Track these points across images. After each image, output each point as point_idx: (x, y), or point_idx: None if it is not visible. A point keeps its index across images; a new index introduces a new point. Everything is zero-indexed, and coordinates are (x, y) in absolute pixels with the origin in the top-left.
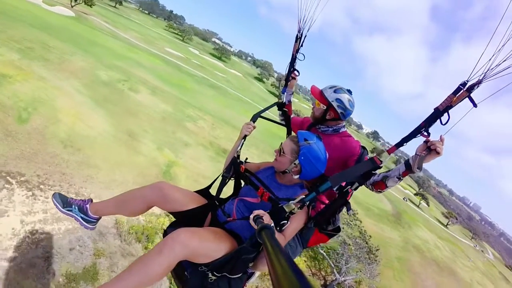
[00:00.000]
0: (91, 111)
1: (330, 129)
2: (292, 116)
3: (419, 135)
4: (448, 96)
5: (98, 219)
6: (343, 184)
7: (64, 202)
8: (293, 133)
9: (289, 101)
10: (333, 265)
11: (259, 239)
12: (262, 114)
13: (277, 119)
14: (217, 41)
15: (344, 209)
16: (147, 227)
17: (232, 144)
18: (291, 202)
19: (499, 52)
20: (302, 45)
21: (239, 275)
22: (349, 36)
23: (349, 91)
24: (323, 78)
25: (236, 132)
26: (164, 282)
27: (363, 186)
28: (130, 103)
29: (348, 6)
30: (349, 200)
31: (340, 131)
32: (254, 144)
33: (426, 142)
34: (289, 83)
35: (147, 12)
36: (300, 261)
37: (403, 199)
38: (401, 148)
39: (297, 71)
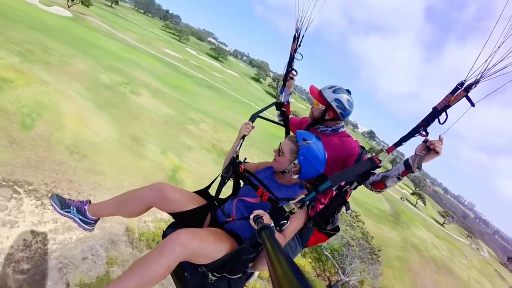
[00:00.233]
0: (94, 116)
1: (329, 129)
2: (290, 116)
3: (418, 134)
4: (446, 96)
5: (96, 221)
6: (342, 183)
7: (62, 204)
8: (291, 133)
9: (288, 101)
10: (337, 266)
11: (259, 239)
12: (260, 114)
13: (276, 119)
14: (212, 40)
15: (343, 209)
16: (157, 234)
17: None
18: (290, 202)
19: (495, 52)
20: (300, 45)
21: (239, 275)
22: (345, 36)
23: (348, 91)
24: (318, 77)
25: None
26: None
27: (362, 186)
28: (133, 106)
29: (344, 6)
30: (348, 200)
31: (339, 131)
32: (254, 144)
33: (425, 142)
34: (287, 83)
35: (142, 11)
36: (306, 263)
37: (401, 198)
38: (398, 148)
39: (295, 71)
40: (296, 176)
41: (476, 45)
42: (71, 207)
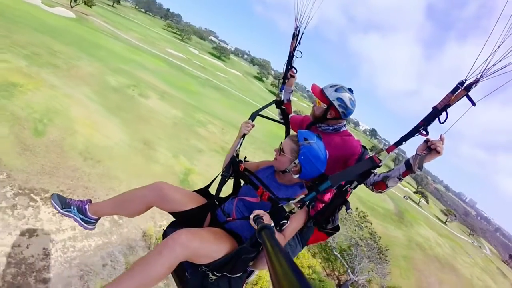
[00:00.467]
0: (105, 120)
1: (331, 128)
2: (291, 114)
3: (418, 133)
4: (447, 95)
5: (97, 220)
6: (343, 183)
7: (63, 203)
8: (292, 132)
9: (289, 100)
10: (347, 266)
11: (259, 239)
12: (261, 113)
13: (277, 117)
14: (213, 39)
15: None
16: None
17: (242, 148)
18: (291, 201)
19: (496, 52)
20: (299, 43)
21: (239, 274)
22: (344, 34)
23: (350, 90)
24: (318, 75)
25: (248, 137)
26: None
27: (363, 186)
28: (142, 109)
29: (344, 4)
30: (348, 199)
31: (341, 130)
32: (256, 144)
33: (426, 141)
34: (288, 81)
35: (143, 10)
36: (316, 263)
37: (404, 197)
38: (399, 147)
39: (295, 69)
40: (296, 176)
41: (477, 43)
42: (72, 207)
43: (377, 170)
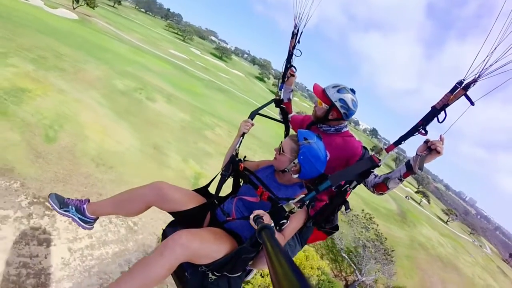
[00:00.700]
0: (115, 125)
1: (332, 128)
2: (292, 114)
3: (417, 133)
4: (445, 95)
5: (95, 220)
6: (342, 183)
7: (61, 203)
8: (292, 131)
9: (289, 99)
10: (355, 267)
11: (259, 239)
12: (260, 112)
13: (278, 116)
14: (213, 38)
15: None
16: None
17: (250, 151)
18: (290, 201)
19: (494, 51)
20: (299, 42)
21: (239, 273)
22: (345, 32)
23: (353, 91)
24: (318, 74)
25: (252, 138)
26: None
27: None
28: (150, 113)
29: (344, 2)
30: (348, 199)
31: (342, 131)
32: (269, 150)
33: (426, 142)
34: (287, 80)
35: (144, 10)
36: (324, 264)
37: (405, 197)
38: (399, 146)
39: (294, 67)
40: (296, 176)
41: (476, 42)
42: (70, 206)
43: (377, 171)
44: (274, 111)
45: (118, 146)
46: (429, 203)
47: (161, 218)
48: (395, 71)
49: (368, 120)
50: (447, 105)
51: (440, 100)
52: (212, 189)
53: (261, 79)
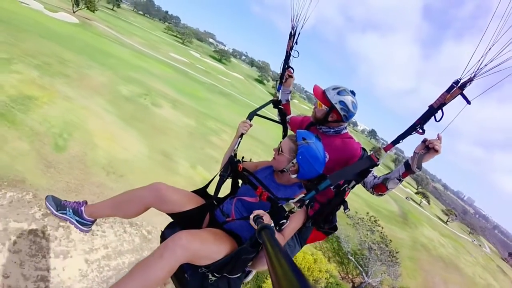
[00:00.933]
0: (122, 132)
1: (332, 130)
2: (291, 115)
3: (415, 132)
4: (442, 94)
5: (93, 222)
6: (341, 183)
7: (58, 205)
8: (290, 132)
9: (287, 100)
10: (362, 269)
11: (259, 239)
12: (258, 112)
13: (276, 118)
14: (211, 40)
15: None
16: None
17: (255, 155)
18: (290, 201)
19: (489, 51)
20: (296, 43)
21: (239, 274)
22: (342, 33)
23: (353, 93)
24: (316, 75)
25: (256, 143)
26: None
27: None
28: (156, 119)
29: (342, 4)
30: (346, 199)
31: (342, 133)
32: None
33: (424, 141)
34: (286, 81)
35: (142, 13)
36: (332, 267)
37: (406, 198)
38: (398, 146)
39: (292, 69)
40: (294, 176)
41: (473, 42)
42: (67, 209)
43: (376, 173)
44: (273, 112)
45: (127, 153)
46: (429, 203)
47: None
48: (393, 72)
49: (366, 120)
50: (444, 104)
51: (437, 99)
52: (211, 190)
53: (260, 82)
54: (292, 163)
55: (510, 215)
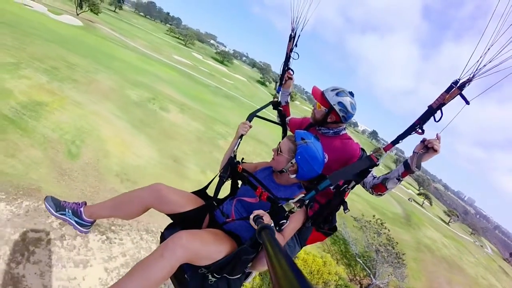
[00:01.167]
0: (133, 138)
1: (331, 131)
2: (291, 116)
3: (414, 132)
4: (441, 94)
5: (92, 223)
6: (340, 183)
7: (57, 206)
8: (289, 133)
9: (287, 102)
10: (369, 271)
11: (259, 239)
12: (258, 114)
13: (276, 119)
14: (212, 41)
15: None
16: None
17: (259, 158)
18: (290, 201)
19: (488, 51)
20: (296, 45)
21: (239, 275)
22: (342, 34)
23: (351, 94)
24: (316, 76)
25: (263, 146)
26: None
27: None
28: (165, 123)
29: (341, 5)
30: (346, 200)
31: (341, 134)
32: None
33: (423, 141)
34: (285, 83)
35: (143, 14)
36: (341, 270)
37: (408, 199)
38: (398, 146)
39: (292, 70)
40: (293, 176)
41: (472, 43)
42: (67, 209)
43: (376, 173)
44: (273, 114)
45: (139, 159)
46: (431, 204)
47: None
48: (392, 72)
49: (366, 121)
50: (443, 104)
51: (436, 99)
52: (210, 191)
53: (262, 83)
54: (291, 163)
55: (511, 215)
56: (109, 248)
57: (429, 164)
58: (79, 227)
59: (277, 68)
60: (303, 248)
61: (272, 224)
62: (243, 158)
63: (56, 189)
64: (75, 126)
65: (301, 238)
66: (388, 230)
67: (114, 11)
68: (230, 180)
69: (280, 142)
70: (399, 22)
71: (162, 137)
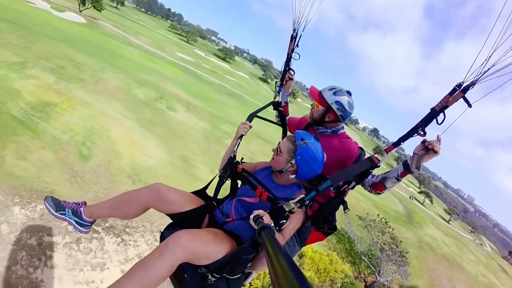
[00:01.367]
0: (143, 138)
1: (329, 130)
2: (289, 116)
3: (416, 134)
4: (444, 97)
5: (92, 223)
6: (340, 183)
7: (57, 206)
8: (289, 133)
9: (286, 102)
10: (374, 269)
11: (259, 239)
12: (258, 114)
13: (275, 119)
14: (213, 38)
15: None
16: None
17: (267, 158)
18: (291, 201)
19: (492, 54)
20: (297, 45)
21: (238, 275)
22: (343, 32)
23: (349, 93)
24: (316, 73)
25: (269, 145)
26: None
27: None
28: (172, 123)
29: (343, 2)
30: (345, 199)
31: (339, 133)
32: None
33: (423, 142)
34: (285, 83)
35: (144, 10)
36: (347, 268)
37: (410, 197)
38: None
39: (293, 71)
40: (293, 176)
41: (474, 42)
42: (66, 209)
43: (376, 171)
44: (271, 113)
45: (150, 160)
46: (432, 203)
47: None
48: (393, 70)
49: (367, 118)
50: (446, 107)
51: (440, 102)
52: (210, 192)
53: (264, 81)
54: (291, 163)
55: (510, 214)
56: (124, 250)
57: (429, 162)
58: (79, 227)
59: (278, 65)
60: (311, 246)
61: (272, 224)
62: (242, 158)
63: (69, 191)
64: (85, 127)
65: (301, 237)
66: (392, 229)
67: (116, 7)
68: (230, 180)
69: (279, 142)
70: (401, 20)
71: (171, 137)
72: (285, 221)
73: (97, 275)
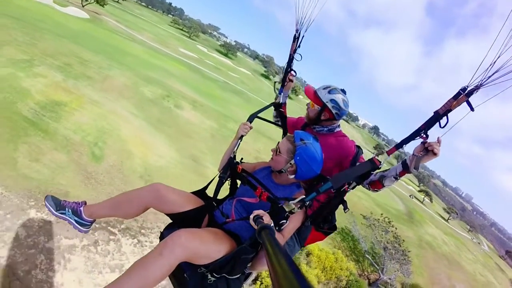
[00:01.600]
0: (153, 138)
1: (325, 129)
2: (286, 116)
3: (418, 137)
4: (448, 101)
5: (92, 222)
6: None
7: (57, 205)
8: (289, 134)
9: (284, 103)
10: (377, 267)
11: (259, 239)
12: (259, 115)
13: (272, 119)
14: (214, 33)
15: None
16: None
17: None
18: (291, 202)
19: (498, 59)
20: (299, 46)
21: (238, 275)
22: (344, 29)
23: (343, 91)
24: (318, 70)
25: (274, 144)
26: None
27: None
28: (180, 121)
29: None
30: (345, 199)
31: (335, 131)
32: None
33: (423, 143)
34: (286, 85)
35: (145, 4)
36: (352, 266)
37: (410, 196)
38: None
39: (294, 72)
40: (292, 176)
41: (475, 41)
42: (66, 209)
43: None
44: (269, 114)
45: (161, 160)
46: (431, 201)
47: None
48: (394, 68)
49: (367, 115)
50: (450, 110)
51: (443, 105)
52: (210, 192)
53: (266, 77)
54: (290, 163)
55: (508, 213)
56: (141, 252)
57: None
58: (79, 226)
59: (280, 61)
60: (317, 245)
61: (272, 224)
62: (242, 158)
63: (84, 193)
64: (96, 127)
65: (301, 237)
66: (395, 228)
67: (118, 1)
68: (230, 181)
69: (279, 143)
70: (402, 18)
71: (180, 136)
72: (285, 221)
73: (116, 277)
